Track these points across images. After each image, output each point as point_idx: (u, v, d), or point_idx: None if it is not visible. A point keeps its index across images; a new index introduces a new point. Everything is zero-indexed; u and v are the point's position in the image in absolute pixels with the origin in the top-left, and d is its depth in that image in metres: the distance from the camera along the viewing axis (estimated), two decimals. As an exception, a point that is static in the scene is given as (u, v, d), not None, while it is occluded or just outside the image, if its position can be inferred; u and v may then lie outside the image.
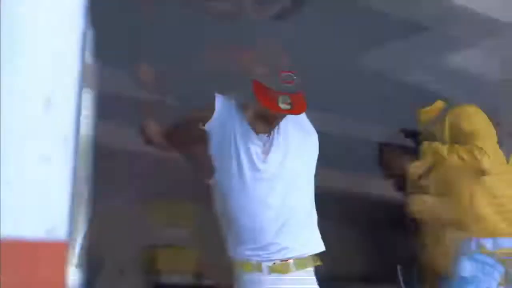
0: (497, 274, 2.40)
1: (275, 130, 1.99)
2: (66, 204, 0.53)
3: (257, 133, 1.96)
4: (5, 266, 0.47)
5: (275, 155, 1.97)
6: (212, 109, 2.08)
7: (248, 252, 1.92)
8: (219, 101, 2.04)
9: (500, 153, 2.41)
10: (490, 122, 2.40)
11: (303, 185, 2.03)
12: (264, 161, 1.96)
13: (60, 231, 0.51)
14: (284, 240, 1.88)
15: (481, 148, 2.27)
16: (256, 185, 1.97)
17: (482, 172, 2.28)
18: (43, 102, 0.51)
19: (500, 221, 2.31)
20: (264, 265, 1.92)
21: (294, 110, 1.91)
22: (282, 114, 1.95)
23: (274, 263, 1.90)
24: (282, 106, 1.85)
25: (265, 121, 1.93)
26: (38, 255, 0.48)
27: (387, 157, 2.68)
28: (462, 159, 2.30)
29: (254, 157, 2.00)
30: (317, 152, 2.06)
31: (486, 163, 2.27)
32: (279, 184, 1.95)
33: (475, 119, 2.36)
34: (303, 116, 2.05)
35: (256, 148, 1.98)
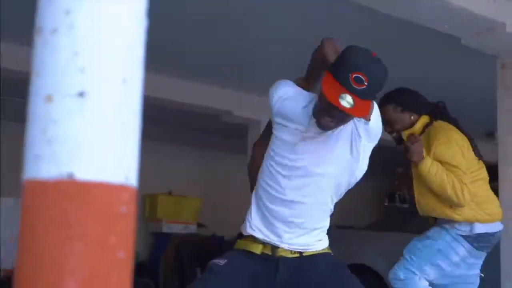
0: (463, 248, 2.80)
1: (331, 132, 2.02)
2: (136, 158, 0.70)
3: (318, 125, 1.98)
4: (97, 203, 0.65)
5: (309, 153, 2.04)
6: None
7: (259, 235, 2.10)
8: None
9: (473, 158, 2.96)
10: (467, 140, 2.78)
11: (326, 196, 2.09)
12: (296, 152, 2.05)
13: (132, 179, 0.69)
14: (295, 233, 2.09)
15: (465, 184, 2.66)
16: (283, 177, 2.06)
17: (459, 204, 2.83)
18: (121, 82, 0.68)
19: (478, 213, 2.87)
20: (272, 247, 2.10)
21: (353, 111, 1.85)
22: (346, 117, 1.93)
23: (281, 248, 2.08)
24: (342, 102, 1.84)
25: (329, 117, 1.92)
26: (120, 196, 0.66)
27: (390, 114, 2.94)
28: (453, 186, 2.66)
29: (290, 146, 2.03)
30: (350, 183, 2.10)
31: (465, 200, 2.83)
32: (305, 183, 2.05)
33: (454, 151, 2.70)
34: (364, 147, 2.05)
35: (295, 136, 2.05)
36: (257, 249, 2.07)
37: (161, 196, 7.80)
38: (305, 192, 2.06)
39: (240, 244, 2.12)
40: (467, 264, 2.90)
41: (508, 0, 3.45)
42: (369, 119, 1.93)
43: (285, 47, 4.73)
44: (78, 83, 0.66)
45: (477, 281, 3.00)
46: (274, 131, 2.10)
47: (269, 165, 2.07)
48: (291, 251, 2.07)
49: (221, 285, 2.03)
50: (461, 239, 2.84)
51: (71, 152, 0.65)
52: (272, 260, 2.06)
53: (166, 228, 7.62)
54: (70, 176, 0.64)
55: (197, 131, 7.68)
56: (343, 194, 2.15)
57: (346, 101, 1.85)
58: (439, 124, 2.86)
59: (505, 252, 3.77)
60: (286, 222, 2.06)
